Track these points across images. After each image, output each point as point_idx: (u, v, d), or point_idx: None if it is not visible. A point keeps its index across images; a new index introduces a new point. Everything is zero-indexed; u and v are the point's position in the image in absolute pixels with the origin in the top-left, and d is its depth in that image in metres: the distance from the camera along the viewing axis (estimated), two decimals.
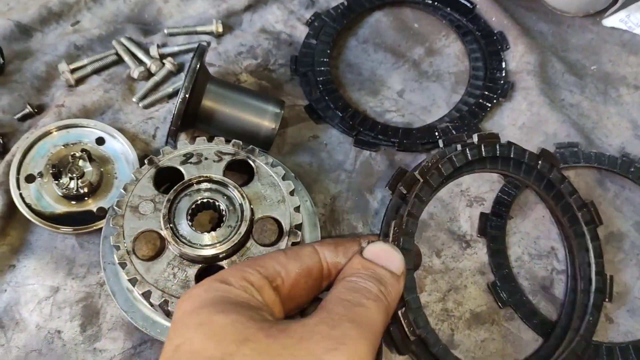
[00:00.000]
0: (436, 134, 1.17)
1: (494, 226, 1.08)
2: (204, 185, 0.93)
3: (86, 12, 1.31)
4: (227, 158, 0.95)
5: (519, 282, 1.04)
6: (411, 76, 1.28)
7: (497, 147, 0.81)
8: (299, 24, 1.31)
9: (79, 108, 1.14)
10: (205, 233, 0.88)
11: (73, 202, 1.03)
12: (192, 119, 1.05)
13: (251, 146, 0.98)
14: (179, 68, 1.23)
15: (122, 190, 0.91)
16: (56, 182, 1.02)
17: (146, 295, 0.84)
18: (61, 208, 1.03)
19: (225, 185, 0.92)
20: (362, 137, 1.17)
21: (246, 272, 0.61)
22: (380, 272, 0.64)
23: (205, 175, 0.92)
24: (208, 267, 0.87)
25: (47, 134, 1.09)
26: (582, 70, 1.31)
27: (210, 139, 0.98)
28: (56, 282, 0.99)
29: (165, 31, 1.27)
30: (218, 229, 0.89)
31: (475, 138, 0.80)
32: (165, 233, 0.87)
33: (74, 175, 1.01)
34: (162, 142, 1.13)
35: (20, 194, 1.02)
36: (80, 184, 1.01)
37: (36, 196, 1.03)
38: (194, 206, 0.91)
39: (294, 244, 0.88)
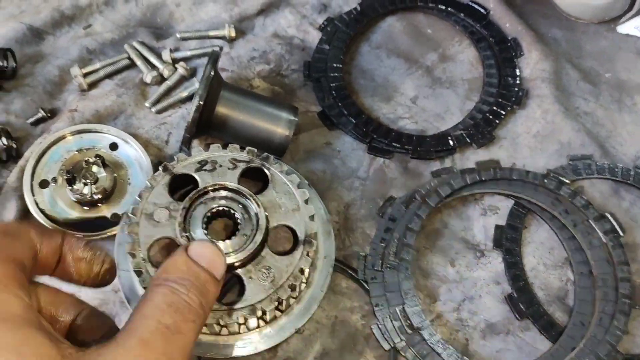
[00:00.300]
0: (450, 141, 1.16)
1: (509, 238, 1.07)
2: (220, 193, 0.92)
3: (98, 15, 1.30)
4: (242, 165, 0.95)
5: (535, 293, 1.03)
6: (424, 82, 1.27)
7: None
8: (312, 29, 1.30)
9: (92, 113, 1.14)
10: (220, 241, 0.87)
11: (86, 208, 1.03)
12: (205, 126, 1.05)
13: (265, 154, 0.97)
14: (192, 72, 1.22)
15: (137, 198, 0.90)
16: (70, 187, 1.01)
17: None
18: (75, 214, 1.03)
19: (240, 193, 0.91)
20: (375, 144, 1.16)
21: None
22: (204, 277, 0.64)
23: (220, 182, 0.92)
24: None
25: (61, 139, 1.08)
26: (596, 78, 1.30)
27: (224, 146, 0.97)
28: (70, 289, 0.98)
29: (178, 35, 1.27)
30: (233, 237, 0.88)
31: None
32: (181, 241, 0.86)
33: (88, 181, 1.01)
34: (175, 147, 1.13)
35: (35, 200, 1.02)
36: (94, 190, 1.01)
37: (50, 202, 1.03)
38: (209, 214, 0.90)
39: (309, 253, 0.88)
